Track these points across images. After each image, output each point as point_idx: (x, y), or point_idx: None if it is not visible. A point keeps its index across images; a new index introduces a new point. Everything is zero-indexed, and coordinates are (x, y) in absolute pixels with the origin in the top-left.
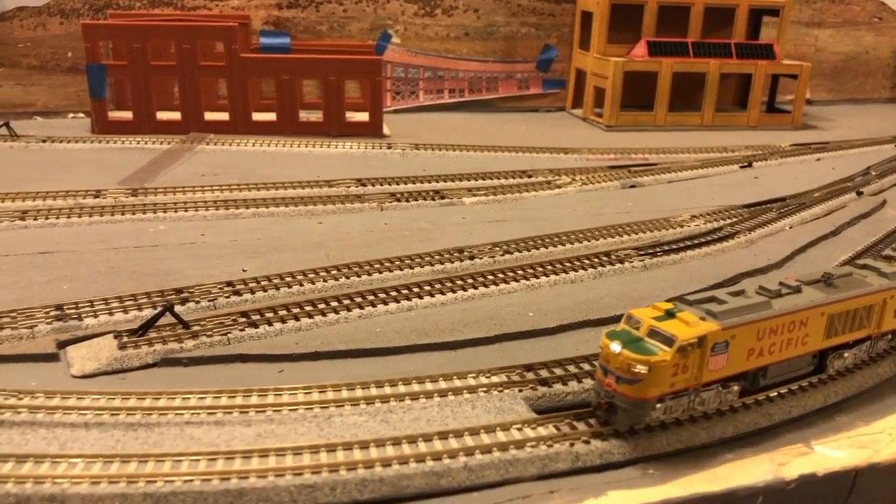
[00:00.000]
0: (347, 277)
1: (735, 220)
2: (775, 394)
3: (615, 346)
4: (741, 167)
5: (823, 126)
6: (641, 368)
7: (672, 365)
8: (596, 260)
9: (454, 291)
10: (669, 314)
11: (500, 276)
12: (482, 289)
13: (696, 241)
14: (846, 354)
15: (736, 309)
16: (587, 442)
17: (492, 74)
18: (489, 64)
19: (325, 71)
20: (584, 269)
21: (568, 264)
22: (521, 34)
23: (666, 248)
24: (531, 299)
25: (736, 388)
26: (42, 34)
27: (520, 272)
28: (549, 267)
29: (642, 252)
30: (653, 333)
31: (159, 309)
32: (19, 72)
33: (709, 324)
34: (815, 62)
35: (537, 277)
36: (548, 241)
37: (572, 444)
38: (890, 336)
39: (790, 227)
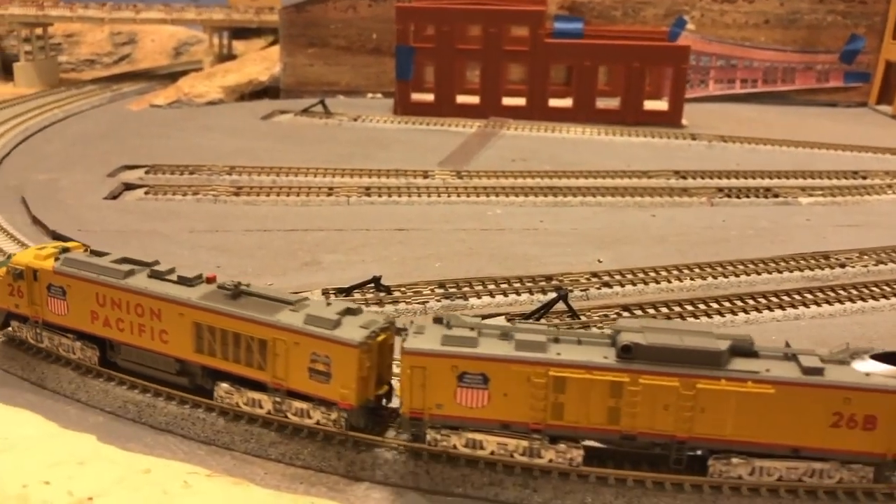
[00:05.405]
0: (714, 277)
1: None
2: None
3: None
4: None
5: None
6: None
7: (6, 284)
8: None
9: (841, 302)
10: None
11: (888, 289)
12: (871, 301)
13: None
14: (227, 386)
15: (84, 263)
16: None
17: (789, 65)
18: (787, 54)
19: (630, 58)
20: None
21: None
22: (827, 22)
23: None
24: None
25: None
26: (352, 16)
27: None
28: None
29: None
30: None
31: (553, 297)
32: (328, 52)
33: (46, 263)
34: None
35: None
36: None
37: None
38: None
39: None
